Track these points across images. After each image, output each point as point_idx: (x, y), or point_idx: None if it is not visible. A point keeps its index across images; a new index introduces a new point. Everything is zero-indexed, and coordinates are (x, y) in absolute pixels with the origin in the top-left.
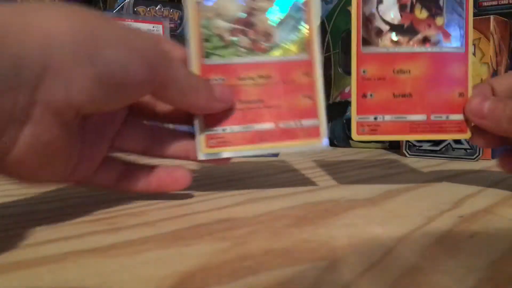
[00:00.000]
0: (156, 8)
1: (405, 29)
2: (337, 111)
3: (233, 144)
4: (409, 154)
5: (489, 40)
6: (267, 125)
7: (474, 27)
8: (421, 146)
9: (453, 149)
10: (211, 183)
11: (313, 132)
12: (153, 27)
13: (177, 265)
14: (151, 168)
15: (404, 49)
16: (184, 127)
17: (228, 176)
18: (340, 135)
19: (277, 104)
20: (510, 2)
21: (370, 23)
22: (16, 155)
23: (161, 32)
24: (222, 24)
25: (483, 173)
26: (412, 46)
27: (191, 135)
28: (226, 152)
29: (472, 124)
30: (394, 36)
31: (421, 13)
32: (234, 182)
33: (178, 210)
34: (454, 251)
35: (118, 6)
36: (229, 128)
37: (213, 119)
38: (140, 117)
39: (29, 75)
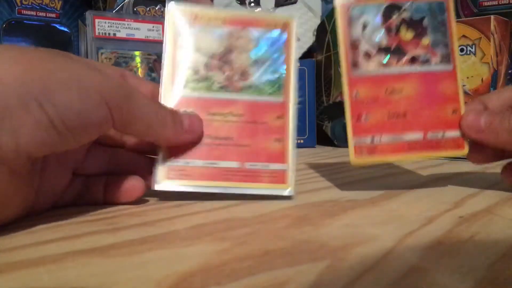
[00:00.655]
0: (156, 8)
1: (393, 51)
2: (337, 111)
3: (193, 178)
4: None
5: (489, 40)
6: (233, 164)
7: (474, 27)
8: None
9: None
10: None
11: (280, 178)
12: (153, 27)
13: (177, 265)
14: (106, 180)
15: (393, 69)
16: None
17: None
18: (340, 135)
19: (246, 143)
20: (511, 2)
21: (357, 47)
22: None
23: (161, 32)
24: (198, 57)
25: (483, 174)
26: (402, 66)
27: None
28: (184, 186)
29: (468, 140)
30: (382, 58)
31: (407, 34)
32: None
33: (177, 210)
34: (454, 252)
35: (118, 6)
36: (192, 161)
37: (178, 151)
38: (104, 146)
39: None
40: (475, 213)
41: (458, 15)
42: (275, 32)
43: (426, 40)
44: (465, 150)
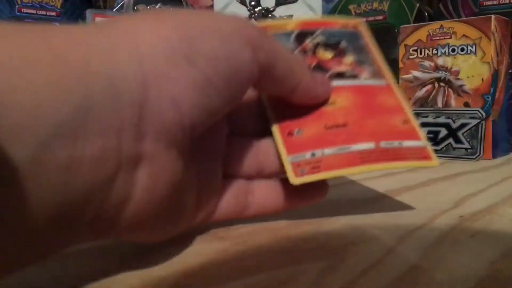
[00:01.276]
0: (157, 6)
1: (314, 68)
2: None
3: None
4: None
5: (490, 39)
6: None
7: (475, 27)
8: None
9: (454, 148)
10: None
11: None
12: None
13: (177, 264)
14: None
15: None
16: None
17: None
18: None
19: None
20: (511, 1)
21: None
22: (133, 208)
23: None
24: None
25: (484, 173)
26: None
27: None
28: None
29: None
30: None
31: (325, 54)
32: None
33: None
34: (455, 251)
35: (118, 4)
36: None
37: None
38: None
39: (129, 101)
40: (475, 212)
41: (458, 15)
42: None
43: (349, 59)
44: (434, 162)
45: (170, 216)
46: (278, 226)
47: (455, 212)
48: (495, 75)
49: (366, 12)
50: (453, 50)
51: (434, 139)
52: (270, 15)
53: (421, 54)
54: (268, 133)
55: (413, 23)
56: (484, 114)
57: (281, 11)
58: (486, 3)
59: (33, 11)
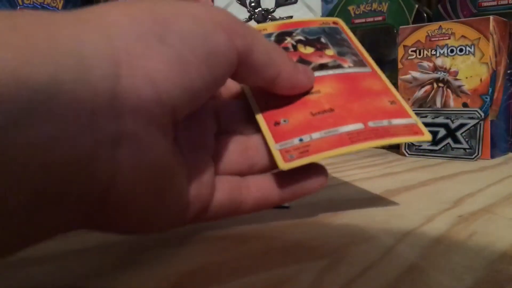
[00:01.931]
0: None
1: (297, 62)
2: None
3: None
4: (409, 154)
5: (488, 40)
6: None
7: (473, 27)
8: (420, 146)
9: (452, 148)
10: None
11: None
12: None
13: (177, 264)
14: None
15: None
16: None
17: None
18: None
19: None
20: (510, 2)
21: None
22: (120, 188)
23: None
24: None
25: (482, 173)
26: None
27: None
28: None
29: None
30: None
31: (306, 49)
32: None
33: None
34: (454, 251)
35: None
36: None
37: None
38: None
39: (101, 76)
40: (474, 212)
41: (457, 15)
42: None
43: (330, 52)
44: (426, 136)
45: (161, 204)
46: (278, 225)
47: (454, 212)
48: (493, 76)
49: (365, 13)
50: (452, 51)
51: (433, 139)
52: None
53: (420, 54)
54: (256, 127)
55: (412, 24)
56: (482, 114)
57: (281, 12)
58: (485, 4)
59: None
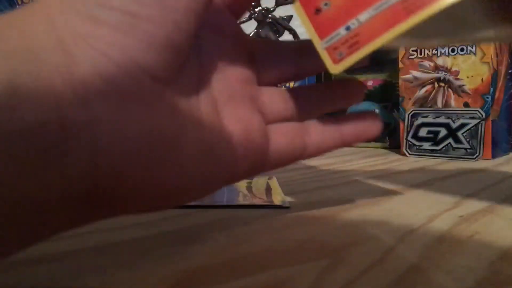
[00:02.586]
0: None
1: None
2: (337, 111)
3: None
4: (409, 154)
5: None
6: None
7: None
8: (421, 146)
9: (453, 148)
10: None
11: None
12: None
13: (178, 264)
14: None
15: None
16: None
17: None
18: None
19: None
20: None
21: None
22: (108, 172)
23: None
24: None
25: (483, 173)
26: None
27: None
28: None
29: None
30: None
31: None
32: None
33: (178, 210)
34: (454, 251)
35: None
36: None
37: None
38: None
39: (54, 68)
40: (475, 212)
41: None
42: None
43: None
44: None
45: (170, 171)
46: (278, 225)
47: (454, 212)
48: (494, 75)
49: None
50: (453, 50)
51: (434, 139)
52: (270, 15)
53: (420, 54)
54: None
55: None
56: (483, 114)
57: (281, 12)
58: None
59: None
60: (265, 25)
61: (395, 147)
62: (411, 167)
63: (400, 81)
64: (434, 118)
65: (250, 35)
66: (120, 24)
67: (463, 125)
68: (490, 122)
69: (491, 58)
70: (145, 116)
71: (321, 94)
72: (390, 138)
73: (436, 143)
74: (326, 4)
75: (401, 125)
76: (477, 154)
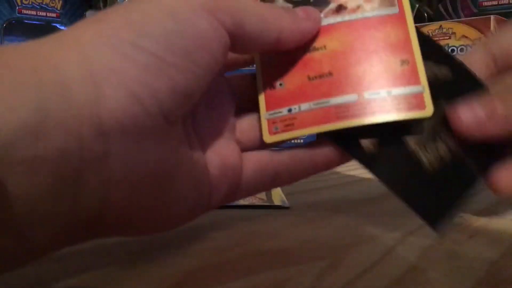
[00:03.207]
0: None
1: (312, 2)
2: None
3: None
4: None
5: None
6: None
7: (474, 27)
8: None
9: None
10: None
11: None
12: None
13: (178, 264)
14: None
15: None
16: None
17: None
18: None
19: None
20: (511, 2)
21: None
22: (114, 201)
23: None
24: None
25: None
26: (324, 19)
27: None
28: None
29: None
30: None
31: None
32: None
33: None
34: (454, 251)
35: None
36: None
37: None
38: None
39: (84, 101)
40: (475, 212)
41: (458, 15)
42: None
43: None
44: (427, 110)
45: (168, 202)
46: (278, 226)
47: None
48: None
49: None
50: (453, 51)
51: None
52: None
53: None
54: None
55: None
56: None
57: None
58: (486, 3)
59: (33, 13)
60: None
61: None
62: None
63: None
64: None
65: None
66: (149, 66)
67: None
68: None
69: None
70: (155, 152)
71: None
72: None
73: None
74: (280, 84)
75: None
76: None
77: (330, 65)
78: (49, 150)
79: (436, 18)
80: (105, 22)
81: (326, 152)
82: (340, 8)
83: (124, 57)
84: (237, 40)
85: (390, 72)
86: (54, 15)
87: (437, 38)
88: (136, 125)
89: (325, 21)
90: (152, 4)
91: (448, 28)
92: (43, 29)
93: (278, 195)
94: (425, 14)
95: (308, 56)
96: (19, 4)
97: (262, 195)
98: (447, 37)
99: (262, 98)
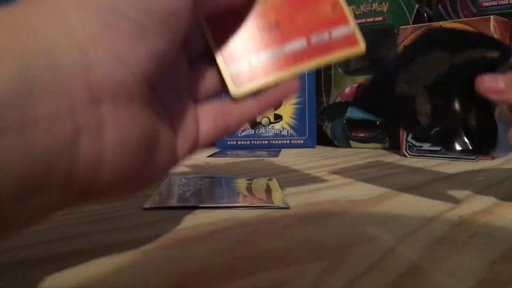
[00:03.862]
0: None
1: None
2: (337, 111)
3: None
4: (409, 155)
5: None
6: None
7: (474, 27)
8: (421, 147)
9: None
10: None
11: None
12: None
13: (178, 265)
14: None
15: None
16: None
17: (228, 176)
18: (340, 135)
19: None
20: (510, 2)
21: None
22: (108, 167)
23: None
24: None
25: (483, 174)
26: None
27: None
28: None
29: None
30: None
31: None
32: None
33: (178, 211)
34: (454, 251)
35: None
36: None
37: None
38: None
39: (72, 68)
40: (475, 213)
41: (457, 15)
42: None
43: None
44: (360, 46)
45: (152, 163)
46: (278, 226)
47: (454, 212)
48: None
49: (365, 13)
50: None
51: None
52: None
53: None
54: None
55: (412, 24)
56: None
57: None
58: (485, 4)
59: None
60: None
61: (395, 148)
62: (411, 167)
63: None
64: None
65: None
66: (132, 32)
67: None
68: None
69: None
70: (144, 117)
71: None
72: (390, 139)
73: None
74: (234, 39)
75: None
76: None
77: (274, 14)
78: (39, 118)
79: (436, 18)
80: None
81: (271, 91)
82: None
83: (107, 24)
84: (196, 7)
85: (325, 16)
86: None
87: None
88: (125, 90)
89: None
90: None
91: None
92: None
93: (278, 195)
94: (425, 14)
95: (254, 10)
96: None
97: (262, 195)
98: None
99: (219, 56)
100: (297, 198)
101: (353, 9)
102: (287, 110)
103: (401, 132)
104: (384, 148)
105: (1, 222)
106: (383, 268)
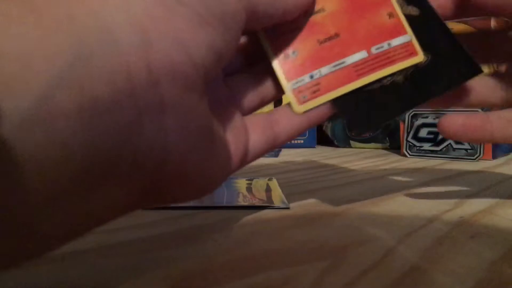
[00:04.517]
0: None
1: None
2: None
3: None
4: (410, 155)
5: None
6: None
7: (474, 27)
8: (421, 147)
9: (454, 149)
10: None
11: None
12: None
13: (178, 265)
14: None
15: None
16: None
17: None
18: (340, 135)
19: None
20: None
21: None
22: (174, 159)
23: None
24: None
25: (484, 174)
26: None
27: None
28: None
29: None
30: None
31: None
32: None
33: (178, 211)
34: (455, 252)
35: None
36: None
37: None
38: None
39: (130, 45)
40: (475, 213)
41: None
42: None
43: None
44: (419, 56)
45: (210, 164)
46: (278, 226)
47: (455, 212)
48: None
49: None
50: None
51: (434, 139)
52: None
53: None
54: (263, 64)
55: None
56: None
57: None
58: None
59: None
60: None
61: (395, 148)
62: (411, 168)
63: None
64: (434, 119)
65: None
66: (192, 21)
67: None
68: None
69: None
70: (202, 108)
71: None
72: (390, 139)
73: (436, 143)
74: (293, 53)
75: (402, 126)
76: (477, 155)
77: (334, 26)
78: (99, 100)
79: None
80: None
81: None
82: None
83: (167, 8)
84: (251, 16)
85: (383, 26)
86: None
87: None
88: (183, 75)
89: None
90: None
91: None
92: None
93: (278, 195)
94: None
95: (311, 21)
96: None
97: (262, 195)
98: None
99: (279, 70)
100: (297, 198)
101: None
102: None
103: (401, 132)
104: (384, 148)
105: (62, 225)
106: (383, 269)
